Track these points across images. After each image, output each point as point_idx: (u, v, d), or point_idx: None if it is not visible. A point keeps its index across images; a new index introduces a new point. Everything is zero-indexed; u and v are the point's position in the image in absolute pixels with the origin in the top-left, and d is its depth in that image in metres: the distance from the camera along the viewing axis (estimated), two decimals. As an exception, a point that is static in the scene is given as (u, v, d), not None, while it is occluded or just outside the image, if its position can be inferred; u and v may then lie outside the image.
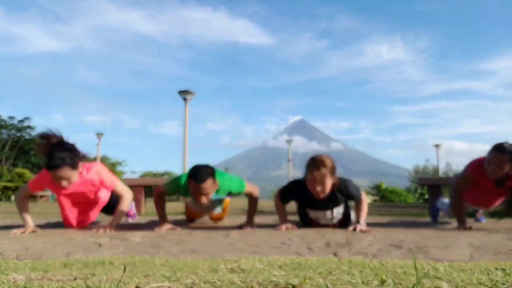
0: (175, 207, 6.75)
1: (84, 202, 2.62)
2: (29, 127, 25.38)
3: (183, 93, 12.39)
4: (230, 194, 2.73)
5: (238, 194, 2.80)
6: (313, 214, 2.71)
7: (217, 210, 2.92)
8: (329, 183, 2.45)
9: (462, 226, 2.61)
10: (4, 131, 24.16)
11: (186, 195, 2.65)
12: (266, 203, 11.06)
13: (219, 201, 2.82)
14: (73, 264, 1.23)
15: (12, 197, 13.41)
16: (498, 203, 2.90)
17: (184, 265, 1.19)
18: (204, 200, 2.46)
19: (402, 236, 2.17)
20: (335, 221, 2.70)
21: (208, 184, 2.41)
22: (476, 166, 2.69)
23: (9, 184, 13.81)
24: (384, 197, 22.20)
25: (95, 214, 2.77)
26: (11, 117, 24.69)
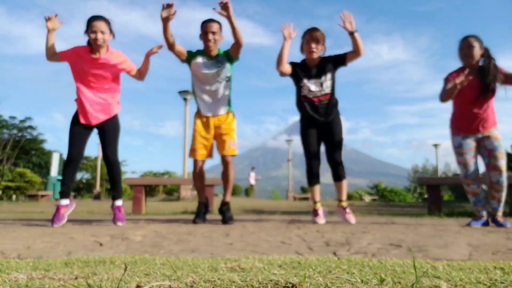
0: (175, 207, 6.76)
1: (101, 87, 2.93)
2: (30, 127, 25.40)
3: (184, 93, 12.42)
4: (229, 58, 3.08)
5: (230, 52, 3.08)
6: (307, 85, 3.08)
7: (224, 105, 3.13)
8: (320, 45, 3.03)
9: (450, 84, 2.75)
10: (5, 130, 24.18)
11: (196, 53, 3.06)
12: (267, 202, 11.09)
13: (227, 75, 3.10)
14: (74, 263, 1.23)
15: (14, 197, 13.41)
16: (476, 104, 2.83)
17: (184, 264, 1.19)
18: (211, 37, 2.95)
19: (401, 235, 2.18)
20: (327, 90, 3.08)
21: (216, 24, 2.99)
22: (451, 72, 2.90)
23: (10, 184, 13.82)
24: (384, 196, 22.23)
25: (110, 104, 2.99)
26: (12, 117, 24.71)
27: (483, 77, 2.76)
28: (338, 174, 3.10)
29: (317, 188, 3.14)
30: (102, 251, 1.62)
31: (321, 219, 3.04)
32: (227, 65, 3.09)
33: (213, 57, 3.07)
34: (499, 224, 2.77)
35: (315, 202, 3.13)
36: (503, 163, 2.79)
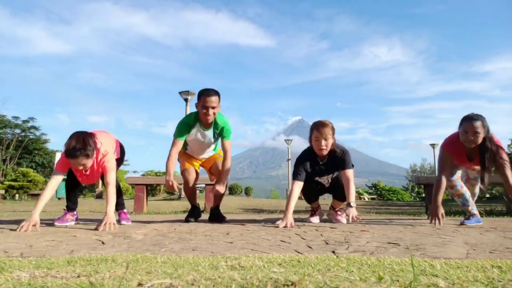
0: (176, 206, 6.77)
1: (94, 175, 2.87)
2: (33, 127, 25.42)
3: (184, 94, 12.46)
4: (220, 135, 3.08)
5: (222, 137, 3.08)
6: (317, 181, 3.05)
7: (211, 150, 3.22)
8: (331, 140, 2.89)
9: (434, 210, 2.72)
10: (8, 130, 24.19)
11: (192, 125, 3.01)
12: (266, 201, 11.09)
13: (215, 140, 3.14)
14: (77, 262, 1.24)
15: (17, 196, 13.42)
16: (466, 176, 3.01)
17: (185, 262, 1.21)
18: (211, 112, 2.87)
19: (400, 234, 2.19)
20: (333, 176, 3.05)
21: (215, 99, 2.89)
22: (449, 143, 2.86)
23: (13, 183, 13.85)
24: (382, 195, 22.25)
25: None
26: (16, 117, 24.73)
27: (482, 161, 2.75)
28: (341, 198, 3.09)
29: (316, 202, 3.24)
30: (104, 250, 1.63)
31: (315, 219, 3.15)
32: (217, 139, 3.16)
33: (209, 129, 3.06)
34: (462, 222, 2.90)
35: (313, 209, 3.27)
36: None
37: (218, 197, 3.20)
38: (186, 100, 12.53)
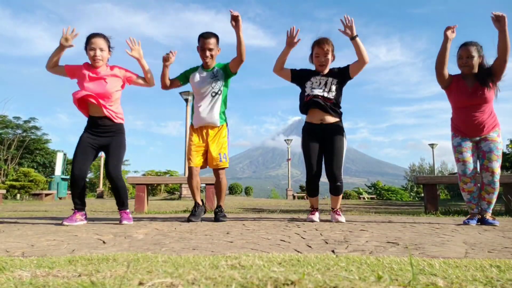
0: (177, 205, 6.77)
1: (102, 94, 2.92)
2: (34, 127, 25.43)
3: (185, 94, 12.46)
4: (222, 70, 3.13)
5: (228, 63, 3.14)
6: (313, 82, 3.06)
7: (216, 117, 3.18)
8: (330, 56, 3.01)
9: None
10: (9, 130, 24.21)
11: (195, 69, 3.19)
12: (266, 201, 11.09)
13: (220, 89, 3.15)
14: (78, 261, 1.25)
15: (18, 196, 13.41)
16: (469, 106, 2.88)
17: (186, 261, 1.21)
18: (208, 54, 3.02)
19: (399, 233, 2.20)
20: (330, 95, 3.02)
21: (212, 41, 3.04)
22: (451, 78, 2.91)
23: (14, 183, 13.85)
24: (381, 195, 22.27)
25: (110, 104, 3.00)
26: (17, 117, 24.75)
27: (480, 81, 2.78)
28: (335, 190, 3.08)
29: (316, 199, 3.23)
30: (105, 249, 1.64)
31: (315, 217, 3.13)
32: (222, 79, 3.15)
33: (209, 69, 3.15)
34: (489, 223, 2.78)
35: (312, 207, 3.25)
36: (496, 165, 2.81)
37: (222, 195, 3.28)
38: (186, 100, 12.53)
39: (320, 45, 2.99)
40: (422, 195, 5.76)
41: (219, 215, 3.20)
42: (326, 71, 3.06)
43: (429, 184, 4.67)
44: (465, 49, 2.80)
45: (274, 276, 0.85)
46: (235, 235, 2.14)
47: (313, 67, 3.13)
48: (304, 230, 2.36)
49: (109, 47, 2.97)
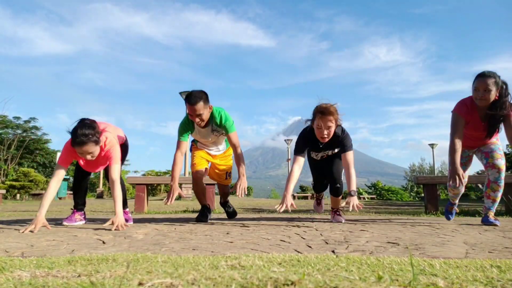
0: (176, 206, 6.78)
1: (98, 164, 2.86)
2: (35, 127, 25.44)
3: (184, 94, 12.44)
4: (221, 127, 2.96)
5: (224, 130, 2.97)
6: (315, 154, 3.04)
7: (222, 147, 3.17)
8: (333, 128, 2.79)
9: (454, 170, 2.63)
10: (10, 131, 24.22)
11: (192, 128, 2.97)
12: (266, 201, 11.09)
13: (222, 134, 3.03)
14: (77, 261, 1.25)
15: (18, 196, 13.41)
16: (480, 141, 2.89)
17: (185, 262, 1.21)
18: (198, 120, 2.81)
19: (399, 233, 2.20)
20: (333, 153, 3.01)
21: (199, 106, 2.76)
22: (461, 106, 2.76)
23: (14, 183, 13.86)
24: (381, 195, 22.28)
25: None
26: (17, 117, 24.75)
27: (492, 114, 2.68)
28: (335, 192, 3.08)
29: (322, 193, 3.30)
30: (105, 249, 1.64)
31: (321, 209, 3.17)
32: (220, 132, 3.03)
33: (207, 126, 2.99)
34: (490, 222, 2.77)
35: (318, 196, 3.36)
36: (501, 162, 2.80)
37: (226, 193, 3.39)
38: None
39: (323, 118, 2.73)
40: (422, 195, 5.76)
41: (230, 210, 3.42)
42: (327, 141, 2.86)
43: (429, 184, 4.67)
44: (482, 82, 2.59)
45: (274, 277, 0.84)
46: (235, 235, 2.14)
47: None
48: (304, 230, 2.36)
49: (96, 142, 2.55)
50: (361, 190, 23.52)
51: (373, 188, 24.84)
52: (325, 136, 2.78)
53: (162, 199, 13.38)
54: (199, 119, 2.82)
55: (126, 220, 2.96)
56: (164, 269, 1.02)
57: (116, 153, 2.70)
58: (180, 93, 12.52)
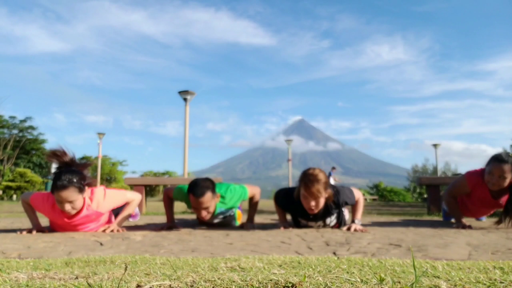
0: (175, 207, 6.75)
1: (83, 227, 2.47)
2: (31, 127, 25.45)
3: (183, 93, 12.41)
4: (232, 205, 2.71)
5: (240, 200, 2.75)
6: (305, 223, 2.66)
7: (233, 224, 2.91)
8: (323, 199, 2.37)
9: (460, 225, 2.63)
10: (5, 130, 24.23)
11: (190, 205, 2.56)
12: (266, 202, 11.08)
13: (230, 215, 2.79)
14: (75, 263, 1.23)
15: (14, 197, 13.40)
16: (486, 213, 2.94)
17: (184, 264, 1.20)
18: (204, 214, 2.43)
19: (401, 235, 2.18)
20: (329, 226, 2.67)
21: (206, 198, 2.37)
22: (475, 177, 2.66)
23: (11, 184, 13.86)
24: (383, 196, 22.28)
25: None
26: (13, 117, 24.76)
27: (496, 196, 2.63)
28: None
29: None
30: (103, 251, 1.63)
31: None
32: (233, 212, 2.82)
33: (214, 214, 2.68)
34: (477, 219, 2.95)
35: None
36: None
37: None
38: (185, 99, 12.49)
39: (307, 189, 2.32)
40: (425, 196, 5.75)
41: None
42: (317, 211, 2.45)
43: (432, 185, 4.66)
44: (498, 168, 2.45)
45: (274, 279, 0.83)
46: (235, 236, 2.13)
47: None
48: (305, 232, 2.34)
49: (79, 189, 2.23)
50: (362, 191, 23.54)
51: (375, 189, 24.84)
52: (313, 207, 2.38)
53: (160, 200, 13.37)
54: (205, 214, 2.44)
55: (134, 215, 2.90)
56: (163, 271, 1.01)
57: (119, 201, 2.53)
58: (179, 92, 12.49)
